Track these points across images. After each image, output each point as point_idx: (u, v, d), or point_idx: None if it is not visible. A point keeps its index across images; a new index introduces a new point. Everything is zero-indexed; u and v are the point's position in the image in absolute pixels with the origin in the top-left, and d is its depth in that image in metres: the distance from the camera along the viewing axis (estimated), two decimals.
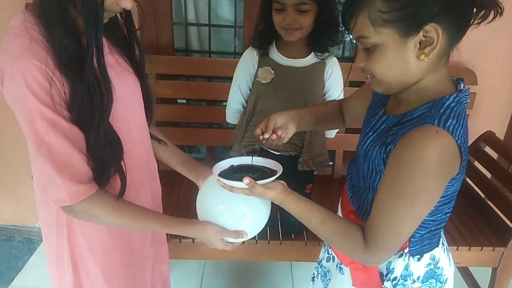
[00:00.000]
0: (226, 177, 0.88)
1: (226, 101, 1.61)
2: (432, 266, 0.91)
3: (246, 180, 0.82)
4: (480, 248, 1.69)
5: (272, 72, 1.44)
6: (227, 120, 1.65)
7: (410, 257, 0.89)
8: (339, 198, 1.09)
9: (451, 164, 0.73)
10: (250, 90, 1.54)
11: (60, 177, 0.78)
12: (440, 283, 0.92)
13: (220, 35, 2.17)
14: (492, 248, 1.69)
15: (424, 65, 0.74)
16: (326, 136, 1.62)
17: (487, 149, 1.96)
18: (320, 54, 1.45)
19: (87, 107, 0.78)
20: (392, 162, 0.76)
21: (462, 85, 0.80)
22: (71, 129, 0.78)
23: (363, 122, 0.96)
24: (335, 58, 1.49)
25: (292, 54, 1.45)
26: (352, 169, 0.99)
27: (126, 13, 0.89)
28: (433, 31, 0.69)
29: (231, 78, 1.56)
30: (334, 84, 1.51)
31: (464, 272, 2.00)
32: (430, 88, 0.77)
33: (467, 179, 1.98)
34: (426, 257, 0.90)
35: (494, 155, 1.96)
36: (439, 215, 0.85)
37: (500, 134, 2.17)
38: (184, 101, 2.15)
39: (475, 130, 1.99)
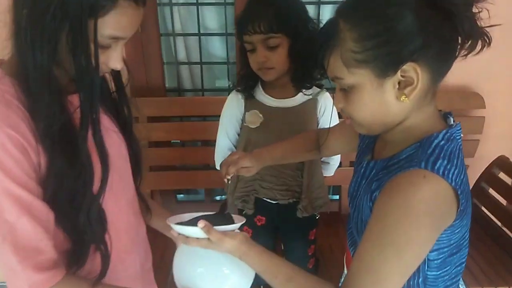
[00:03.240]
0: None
1: None
2: None
3: (201, 223, 0.73)
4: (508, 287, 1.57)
5: (261, 116, 1.34)
6: (217, 167, 1.54)
7: None
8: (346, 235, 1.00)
9: (444, 212, 0.66)
10: (238, 135, 1.45)
11: (21, 264, 0.67)
12: None
13: (212, 72, 2.10)
14: None
15: (406, 105, 0.68)
16: (324, 175, 1.51)
17: (501, 175, 1.87)
18: (307, 91, 1.35)
19: (74, 187, 0.70)
20: (377, 210, 0.69)
21: (452, 120, 0.74)
22: (42, 209, 0.68)
23: (353, 171, 0.90)
24: (327, 93, 1.39)
25: (279, 94, 1.35)
26: (351, 223, 0.90)
27: (115, 71, 0.82)
28: (412, 70, 0.64)
29: None
30: (329, 122, 1.41)
31: None
32: (417, 127, 0.72)
33: (483, 209, 1.87)
34: None
35: (508, 180, 1.86)
36: (448, 268, 0.75)
37: None
38: (179, 142, 2.08)
39: (486, 155, 1.93)
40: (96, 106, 0.69)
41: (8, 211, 0.65)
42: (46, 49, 0.62)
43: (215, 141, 1.98)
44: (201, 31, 1.96)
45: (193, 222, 0.82)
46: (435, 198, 0.64)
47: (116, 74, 0.84)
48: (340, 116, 1.49)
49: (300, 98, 1.36)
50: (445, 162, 0.65)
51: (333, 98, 1.40)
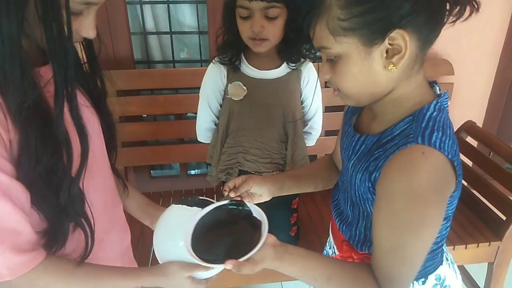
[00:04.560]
0: (201, 246, 0.77)
1: (196, 113, 1.48)
2: (438, 287, 0.84)
3: (229, 265, 0.71)
4: (476, 245, 1.66)
5: (244, 88, 1.30)
6: (199, 139, 1.51)
7: (415, 282, 0.83)
8: (324, 202, 0.99)
9: (446, 183, 0.67)
10: (220, 106, 1.41)
11: None
12: None
13: (183, 42, 2.02)
14: (488, 243, 1.66)
15: (394, 75, 0.67)
16: (307, 145, 1.51)
17: (469, 139, 1.93)
18: (293, 64, 1.32)
19: (51, 166, 0.65)
20: (383, 195, 0.68)
21: (438, 89, 0.73)
22: (18, 190, 0.63)
23: (340, 145, 0.88)
24: (311, 64, 1.36)
25: (263, 65, 1.31)
26: (338, 195, 0.91)
27: (87, 40, 0.77)
28: (400, 38, 0.62)
29: (200, 88, 1.42)
30: (312, 93, 1.39)
31: (460, 270, 1.95)
32: (407, 97, 0.71)
33: None
34: (431, 278, 0.84)
35: (475, 144, 1.93)
36: (438, 236, 0.78)
37: (479, 123, 2.15)
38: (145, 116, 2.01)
39: (454, 120, 1.91)
40: (72, 79, 0.63)
41: None
42: (13, 17, 0.56)
43: (188, 114, 1.94)
44: None
45: (210, 229, 0.81)
46: (437, 173, 0.64)
47: (88, 44, 0.78)
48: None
49: (284, 69, 1.33)
50: (440, 134, 0.64)
51: (317, 69, 1.38)
